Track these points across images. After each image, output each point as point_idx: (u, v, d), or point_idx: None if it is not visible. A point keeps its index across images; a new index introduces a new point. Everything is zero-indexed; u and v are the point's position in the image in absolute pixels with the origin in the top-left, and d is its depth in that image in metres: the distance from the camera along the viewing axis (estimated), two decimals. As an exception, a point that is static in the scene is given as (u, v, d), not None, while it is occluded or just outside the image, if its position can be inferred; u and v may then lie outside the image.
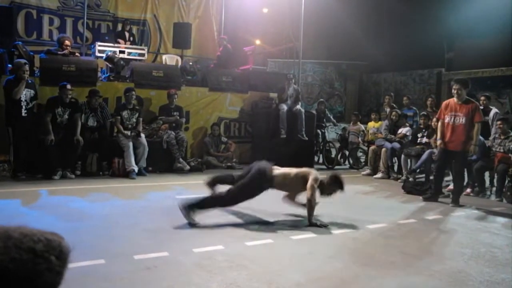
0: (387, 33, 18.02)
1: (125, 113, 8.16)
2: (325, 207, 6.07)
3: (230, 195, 5.01)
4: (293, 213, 5.55)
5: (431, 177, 8.32)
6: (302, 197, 5.31)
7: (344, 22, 17.21)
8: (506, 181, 7.18)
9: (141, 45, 11.41)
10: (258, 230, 4.75)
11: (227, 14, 13.32)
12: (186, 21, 12.58)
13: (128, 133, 8.01)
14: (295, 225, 5.05)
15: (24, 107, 7.20)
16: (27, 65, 7.21)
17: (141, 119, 8.31)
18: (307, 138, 9.87)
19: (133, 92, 8.26)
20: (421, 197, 6.95)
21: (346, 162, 10.85)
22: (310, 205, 4.99)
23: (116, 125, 8.13)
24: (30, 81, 7.39)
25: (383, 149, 9.11)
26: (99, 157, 7.94)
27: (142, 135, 8.11)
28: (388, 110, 10.10)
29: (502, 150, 7.32)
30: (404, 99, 10.59)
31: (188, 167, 8.51)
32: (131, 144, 7.88)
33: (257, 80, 10.90)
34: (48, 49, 9.35)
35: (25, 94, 7.19)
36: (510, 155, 7.20)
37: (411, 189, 7.42)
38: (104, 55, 9.21)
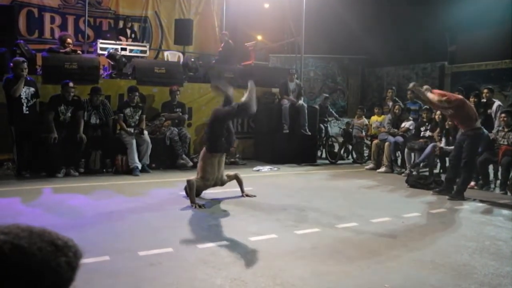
0: (389, 26, 17.91)
1: (128, 111, 8.17)
2: (329, 201, 6.08)
3: None
4: (296, 208, 5.55)
5: (435, 171, 8.32)
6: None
7: (346, 16, 17.13)
8: (511, 174, 7.15)
9: (142, 42, 11.40)
10: (262, 225, 4.75)
11: (228, 10, 13.28)
12: (187, 17, 12.56)
13: (131, 130, 8.02)
14: (298, 220, 5.05)
15: (25, 104, 7.21)
16: (25, 62, 7.21)
17: (144, 116, 8.31)
18: (310, 133, 9.87)
19: (136, 93, 8.24)
20: (431, 192, 6.90)
21: (350, 157, 10.84)
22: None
23: (119, 122, 8.13)
24: (29, 79, 7.40)
25: (386, 143, 9.09)
26: (102, 155, 7.97)
27: (145, 132, 8.12)
28: (390, 103, 10.06)
29: (506, 143, 7.29)
30: (409, 93, 10.51)
31: (191, 163, 8.51)
32: (134, 141, 7.89)
33: (259, 75, 10.88)
34: (50, 47, 9.36)
35: (25, 91, 7.20)
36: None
37: (414, 183, 7.41)
38: (106, 52, 9.22)
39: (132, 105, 8.20)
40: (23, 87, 7.15)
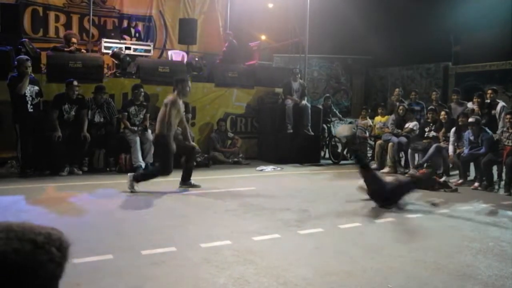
0: (393, 27, 17.85)
1: (132, 109, 8.18)
2: (332, 201, 6.08)
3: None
4: (300, 208, 5.55)
5: (439, 172, 8.30)
6: None
7: (350, 16, 17.10)
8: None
9: (146, 41, 11.41)
10: (266, 225, 4.75)
11: (233, 10, 13.28)
12: (191, 16, 12.56)
13: (135, 128, 8.04)
14: (302, 220, 5.05)
15: (29, 102, 7.23)
16: (29, 61, 7.23)
17: (148, 115, 8.32)
18: (313, 133, 9.85)
19: (142, 89, 8.26)
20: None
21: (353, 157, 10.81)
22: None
23: (122, 121, 8.15)
24: (33, 78, 7.42)
25: (390, 144, 9.06)
26: (106, 153, 7.99)
27: (149, 130, 8.12)
28: (397, 103, 10.01)
29: (510, 144, 7.26)
30: (412, 94, 10.52)
31: (194, 163, 8.50)
32: (138, 139, 7.90)
33: (263, 75, 10.89)
34: (54, 46, 9.39)
35: (29, 90, 7.22)
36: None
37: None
38: (110, 51, 9.23)
39: (136, 103, 8.21)
40: (28, 85, 7.18)
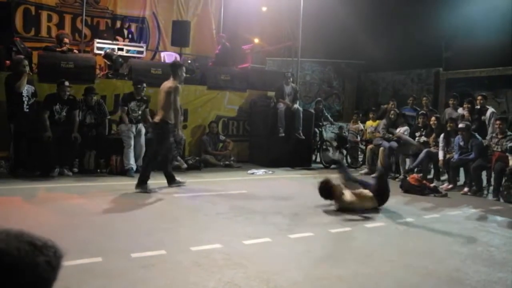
0: (385, 32, 17.98)
1: (132, 104, 8.01)
2: (323, 206, 6.09)
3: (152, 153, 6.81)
4: (290, 212, 5.56)
5: (429, 176, 8.35)
6: None
7: (343, 21, 17.19)
8: (503, 180, 7.18)
9: (139, 42, 11.38)
10: (256, 228, 4.75)
11: (226, 12, 13.29)
12: (185, 19, 12.54)
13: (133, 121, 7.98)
14: (292, 223, 5.06)
15: (26, 102, 7.18)
16: (25, 60, 7.20)
17: (148, 110, 8.17)
18: (304, 137, 9.85)
19: (144, 84, 8.09)
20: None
21: (344, 161, 10.84)
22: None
23: (121, 115, 8.01)
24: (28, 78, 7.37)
25: (381, 148, 9.09)
26: (97, 155, 7.94)
27: (142, 133, 8.01)
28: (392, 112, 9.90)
29: (499, 149, 7.34)
30: (410, 99, 10.51)
31: (185, 165, 8.50)
32: (132, 141, 7.80)
33: (256, 78, 10.90)
34: (46, 45, 9.33)
35: (26, 89, 7.18)
36: (507, 154, 7.20)
37: (409, 188, 7.43)
38: (102, 52, 9.19)
39: (137, 98, 8.06)
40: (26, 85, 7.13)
